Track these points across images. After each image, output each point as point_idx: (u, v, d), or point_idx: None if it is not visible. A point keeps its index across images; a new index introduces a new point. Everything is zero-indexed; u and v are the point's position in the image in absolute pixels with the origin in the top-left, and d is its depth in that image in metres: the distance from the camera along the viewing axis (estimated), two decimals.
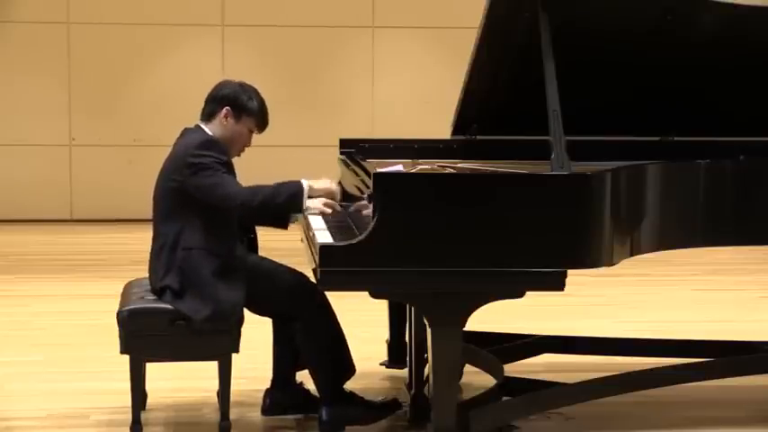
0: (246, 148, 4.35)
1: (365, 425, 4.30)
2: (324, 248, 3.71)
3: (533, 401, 4.32)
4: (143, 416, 4.30)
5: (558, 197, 3.77)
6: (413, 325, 4.40)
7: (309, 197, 4.09)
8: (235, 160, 4.42)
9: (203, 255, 4.13)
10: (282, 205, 4.13)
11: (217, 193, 4.08)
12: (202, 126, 4.26)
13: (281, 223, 4.37)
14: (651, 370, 4.58)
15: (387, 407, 4.39)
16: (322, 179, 4.26)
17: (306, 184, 4.11)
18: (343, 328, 4.31)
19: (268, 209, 4.18)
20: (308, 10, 10.69)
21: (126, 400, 4.20)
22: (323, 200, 4.14)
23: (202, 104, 4.32)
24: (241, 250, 4.29)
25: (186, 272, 4.13)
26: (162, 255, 4.20)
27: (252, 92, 4.28)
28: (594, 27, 4.38)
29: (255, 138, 4.35)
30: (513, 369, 4.73)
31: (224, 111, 4.22)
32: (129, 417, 4.15)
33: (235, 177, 4.17)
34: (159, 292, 4.18)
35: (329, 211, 4.11)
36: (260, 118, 4.28)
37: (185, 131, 4.30)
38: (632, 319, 6.44)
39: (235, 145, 4.27)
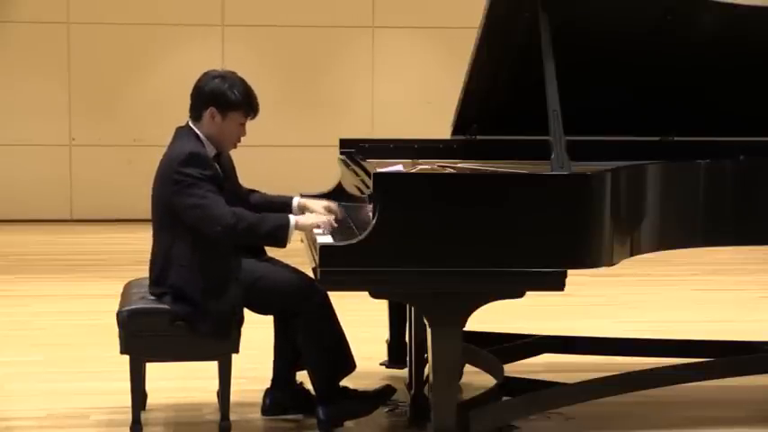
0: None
1: (364, 416, 4.30)
2: (324, 248, 3.71)
3: (533, 401, 4.31)
4: (143, 416, 4.30)
5: (558, 197, 3.77)
6: (413, 325, 4.40)
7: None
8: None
9: (195, 272, 4.08)
10: (265, 236, 4.05)
11: (198, 214, 4.01)
12: (192, 126, 4.19)
13: (275, 244, 4.10)
14: (651, 370, 4.58)
15: (381, 394, 4.39)
16: (313, 214, 4.21)
17: (293, 219, 4.05)
18: (343, 328, 4.31)
19: (250, 237, 4.09)
20: (307, 10, 10.69)
21: (126, 400, 4.20)
22: (323, 202, 4.14)
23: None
24: (236, 261, 4.16)
25: (180, 289, 4.10)
26: (157, 267, 4.20)
27: (234, 82, 4.16)
28: (594, 27, 4.37)
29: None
30: (513, 369, 4.73)
31: (209, 111, 4.15)
32: (129, 417, 4.15)
33: (221, 191, 4.07)
34: (158, 296, 4.19)
35: (332, 221, 4.09)
36: (247, 107, 4.18)
37: (177, 132, 4.23)
38: (632, 319, 6.43)
39: (227, 140, 4.21)
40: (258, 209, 4.29)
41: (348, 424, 4.31)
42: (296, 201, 4.42)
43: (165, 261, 4.15)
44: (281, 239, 4.04)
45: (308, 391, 4.46)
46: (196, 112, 4.19)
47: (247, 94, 4.18)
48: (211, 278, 4.08)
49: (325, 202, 4.37)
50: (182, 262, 4.10)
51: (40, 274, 7.84)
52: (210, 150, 4.18)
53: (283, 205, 4.42)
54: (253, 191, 4.52)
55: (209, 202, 4.01)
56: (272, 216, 4.12)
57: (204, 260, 4.09)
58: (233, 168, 4.39)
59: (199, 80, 4.21)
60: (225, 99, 4.14)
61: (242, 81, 4.19)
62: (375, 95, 10.92)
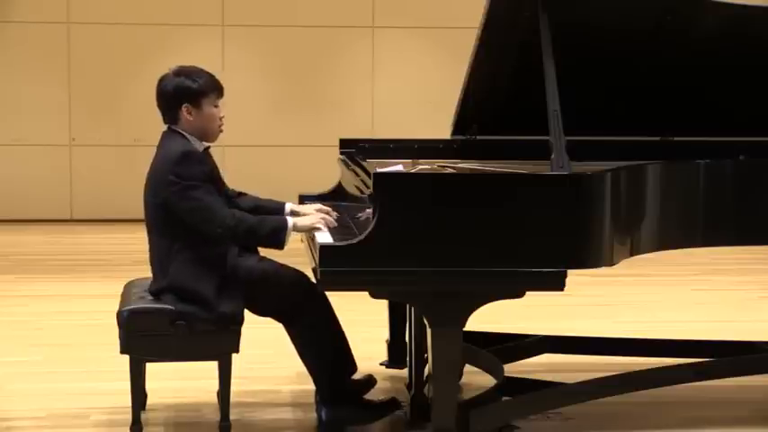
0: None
1: (365, 424, 4.30)
2: (324, 248, 3.71)
3: (533, 401, 4.31)
4: (143, 416, 4.30)
5: (558, 197, 3.77)
6: (413, 325, 4.40)
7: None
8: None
9: (195, 270, 4.06)
10: (264, 238, 4.05)
11: (198, 216, 4.01)
12: (175, 128, 4.17)
13: (275, 246, 4.11)
14: (651, 370, 4.58)
15: (386, 406, 4.38)
16: (309, 215, 4.18)
17: (291, 221, 4.05)
18: (343, 328, 4.31)
19: (249, 240, 4.11)
20: (307, 10, 10.69)
21: (126, 400, 4.19)
22: (316, 206, 4.13)
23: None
24: (233, 258, 4.18)
25: (181, 287, 4.08)
26: (156, 266, 4.18)
27: (190, 72, 4.16)
28: (595, 27, 4.37)
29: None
30: (513, 369, 4.73)
31: (183, 109, 4.13)
32: (129, 417, 4.15)
33: (218, 189, 4.08)
34: (159, 294, 4.17)
35: (330, 222, 4.06)
36: (215, 90, 4.17)
37: (164, 136, 4.20)
38: (632, 319, 6.44)
39: (211, 128, 4.19)
40: (250, 212, 4.26)
41: None
42: (288, 207, 4.39)
43: (166, 260, 4.13)
44: (279, 242, 4.03)
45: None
46: (171, 115, 4.17)
47: (208, 76, 4.17)
48: (211, 275, 4.07)
49: (317, 205, 4.36)
50: (181, 260, 4.09)
51: (40, 274, 7.84)
52: (199, 146, 4.17)
53: (275, 211, 4.38)
54: (242, 194, 4.48)
55: (209, 204, 4.01)
56: (270, 218, 4.12)
57: (203, 257, 4.07)
58: (217, 167, 4.36)
59: (158, 86, 4.18)
60: (192, 91, 4.12)
61: (195, 67, 4.20)
62: (375, 95, 10.93)
